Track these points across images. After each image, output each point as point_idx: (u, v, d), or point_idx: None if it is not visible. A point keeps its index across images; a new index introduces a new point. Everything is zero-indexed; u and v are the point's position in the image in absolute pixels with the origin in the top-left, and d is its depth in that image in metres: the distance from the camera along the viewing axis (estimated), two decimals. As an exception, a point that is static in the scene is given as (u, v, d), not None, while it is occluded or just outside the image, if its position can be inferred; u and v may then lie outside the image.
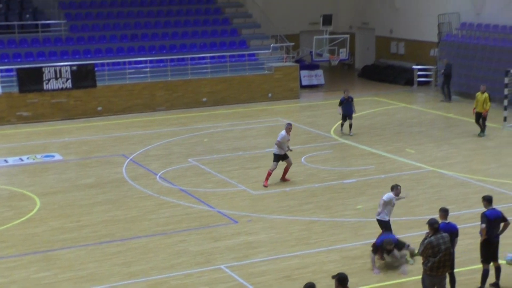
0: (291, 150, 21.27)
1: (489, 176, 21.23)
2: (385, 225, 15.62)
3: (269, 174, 20.82)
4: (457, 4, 35.10)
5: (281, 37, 36.82)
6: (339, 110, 26.58)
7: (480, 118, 25.92)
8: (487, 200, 14.03)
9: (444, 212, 13.67)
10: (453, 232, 13.42)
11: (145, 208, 19.11)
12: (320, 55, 36.88)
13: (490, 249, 13.96)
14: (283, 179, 21.18)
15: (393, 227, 17.15)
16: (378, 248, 15.08)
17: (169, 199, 19.79)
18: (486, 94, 25.80)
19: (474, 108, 26.08)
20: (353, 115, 26.64)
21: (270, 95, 33.71)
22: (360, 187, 20.56)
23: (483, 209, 14.04)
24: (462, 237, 14.69)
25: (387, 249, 15.00)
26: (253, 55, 34.83)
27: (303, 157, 23.69)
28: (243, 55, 34.39)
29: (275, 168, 20.84)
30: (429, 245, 12.51)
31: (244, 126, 28.75)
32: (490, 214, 13.83)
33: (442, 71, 33.01)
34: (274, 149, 20.96)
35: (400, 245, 15.15)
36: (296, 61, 36.31)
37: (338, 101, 26.75)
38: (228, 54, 33.98)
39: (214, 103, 32.74)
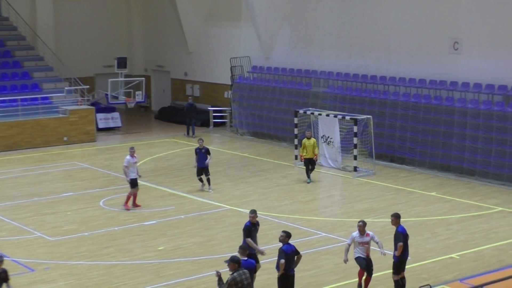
0: (140, 176, 22.68)
1: (283, 213, 22.04)
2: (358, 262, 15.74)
3: (129, 197, 22.34)
4: (248, 48, 36.44)
5: (75, 80, 36.22)
6: (194, 163, 24.79)
7: (309, 164, 25.70)
8: (286, 235, 14.53)
9: (242, 249, 14.00)
10: (251, 268, 13.76)
11: None
12: (116, 97, 36.70)
13: (288, 282, 14.47)
14: (135, 205, 22.42)
15: (193, 267, 17.38)
16: None
17: (-41, 250, 18.64)
18: (313, 139, 25.79)
19: (302, 156, 25.79)
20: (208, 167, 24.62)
21: (65, 138, 32.94)
22: (160, 228, 20.54)
23: (280, 245, 14.55)
24: (259, 273, 15.12)
25: None
26: (47, 98, 33.93)
27: (102, 200, 23.35)
28: (36, 99, 33.42)
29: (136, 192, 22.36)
30: (233, 282, 12.72)
31: (39, 171, 27.83)
32: (287, 249, 14.37)
33: (185, 108, 35.72)
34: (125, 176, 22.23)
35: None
36: (92, 104, 35.84)
37: (138, 143, 26.64)
38: (19, 97, 32.86)
39: (5, 148, 31.43)
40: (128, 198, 22.28)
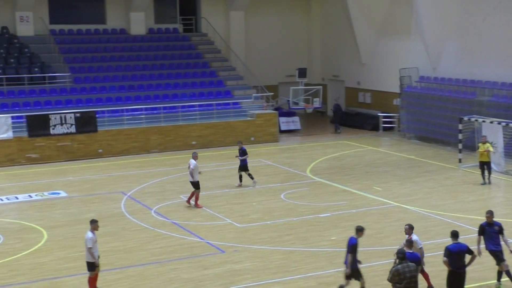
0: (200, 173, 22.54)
1: (446, 211, 21.37)
2: None
3: (197, 197, 22.26)
4: (416, 60, 35.63)
5: (261, 88, 37.12)
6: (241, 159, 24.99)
7: (485, 166, 24.53)
8: (452, 234, 13.96)
9: (408, 242, 13.75)
10: (416, 260, 13.45)
11: (141, 240, 19.01)
12: (296, 103, 37.21)
13: (455, 279, 13.81)
14: (197, 205, 22.25)
15: (362, 256, 17.23)
16: None
17: (163, 231, 19.72)
18: (488, 144, 24.71)
19: (487, 150, 24.42)
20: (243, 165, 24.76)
21: (252, 138, 33.85)
22: (334, 221, 20.59)
23: (443, 240, 14.08)
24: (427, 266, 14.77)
25: None
26: (237, 103, 35.04)
27: (283, 194, 23.74)
28: (228, 104, 34.60)
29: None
30: (396, 273, 12.56)
31: (229, 166, 28.75)
32: (452, 248, 13.69)
33: (332, 108, 37.35)
34: (189, 178, 22.14)
35: None
36: (275, 109, 36.57)
37: (315, 144, 26.66)
38: (214, 102, 34.17)
39: (201, 146, 32.78)
40: (197, 198, 22.22)
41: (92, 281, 15.04)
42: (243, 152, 24.79)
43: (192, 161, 22.13)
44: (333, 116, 37.82)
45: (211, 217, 21.18)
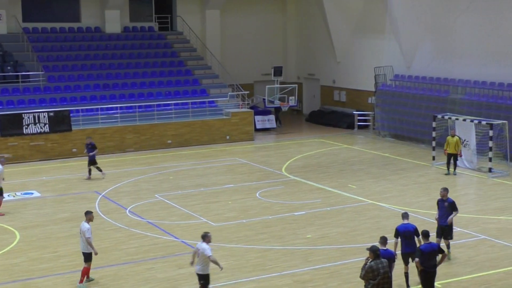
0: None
1: (420, 208, 21.52)
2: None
3: None
4: (391, 58, 35.82)
5: (237, 86, 37.08)
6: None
7: (451, 158, 25.65)
8: (424, 235, 14.06)
9: (383, 240, 13.82)
10: (390, 257, 13.53)
11: (116, 239, 18.89)
12: (272, 102, 37.21)
13: (426, 277, 13.92)
14: None
15: (337, 254, 17.31)
16: None
17: (138, 231, 19.61)
18: (457, 137, 25.66)
19: (445, 150, 25.79)
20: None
21: (228, 137, 33.81)
22: (309, 219, 20.63)
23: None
24: (398, 262, 14.84)
25: None
26: (213, 102, 34.97)
27: (258, 192, 23.74)
28: (203, 102, 34.51)
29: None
30: (370, 269, 12.61)
31: (205, 165, 28.73)
32: (425, 248, 13.80)
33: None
34: None
35: None
36: (251, 107, 36.55)
37: (290, 142, 26.67)
38: (190, 101, 34.05)
39: (178, 144, 32.67)
40: None
41: (87, 272, 15.44)
42: (92, 147, 25.89)
43: None
44: (276, 112, 38.05)
45: (187, 216, 21.11)
